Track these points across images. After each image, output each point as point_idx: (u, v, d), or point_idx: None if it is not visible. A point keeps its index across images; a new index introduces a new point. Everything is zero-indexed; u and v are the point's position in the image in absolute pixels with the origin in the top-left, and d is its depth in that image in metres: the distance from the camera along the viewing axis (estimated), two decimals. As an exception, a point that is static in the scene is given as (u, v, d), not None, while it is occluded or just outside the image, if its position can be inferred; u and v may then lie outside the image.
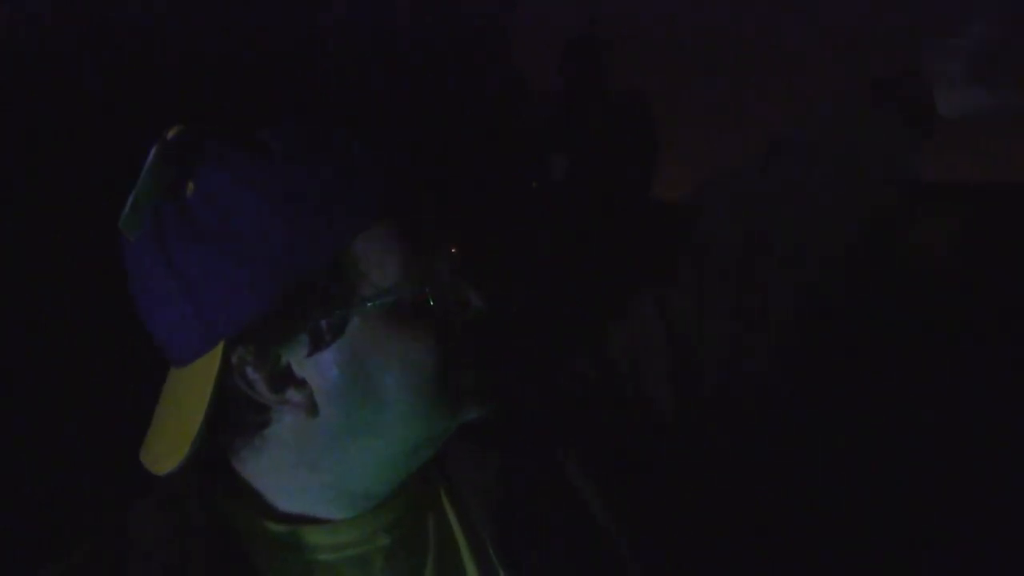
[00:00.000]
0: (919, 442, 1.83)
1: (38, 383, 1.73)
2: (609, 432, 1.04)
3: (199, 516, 0.88)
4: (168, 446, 0.84)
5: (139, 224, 0.83)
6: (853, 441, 1.73)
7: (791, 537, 1.66)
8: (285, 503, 0.90)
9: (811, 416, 1.71)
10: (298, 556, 0.89)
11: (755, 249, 1.09)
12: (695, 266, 1.11)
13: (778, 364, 1.11)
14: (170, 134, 0.83)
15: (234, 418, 0.86)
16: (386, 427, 0.85)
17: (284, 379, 0.84)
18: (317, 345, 0.82)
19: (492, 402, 0.90)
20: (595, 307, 1.16)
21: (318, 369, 0.83)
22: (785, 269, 1.09)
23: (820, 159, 1.10)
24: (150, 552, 0.86)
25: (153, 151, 0.83)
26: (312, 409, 0.84)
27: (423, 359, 0.83)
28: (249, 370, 0.83)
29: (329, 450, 0.87)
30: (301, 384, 0.84)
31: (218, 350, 0.82)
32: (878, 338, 1.77)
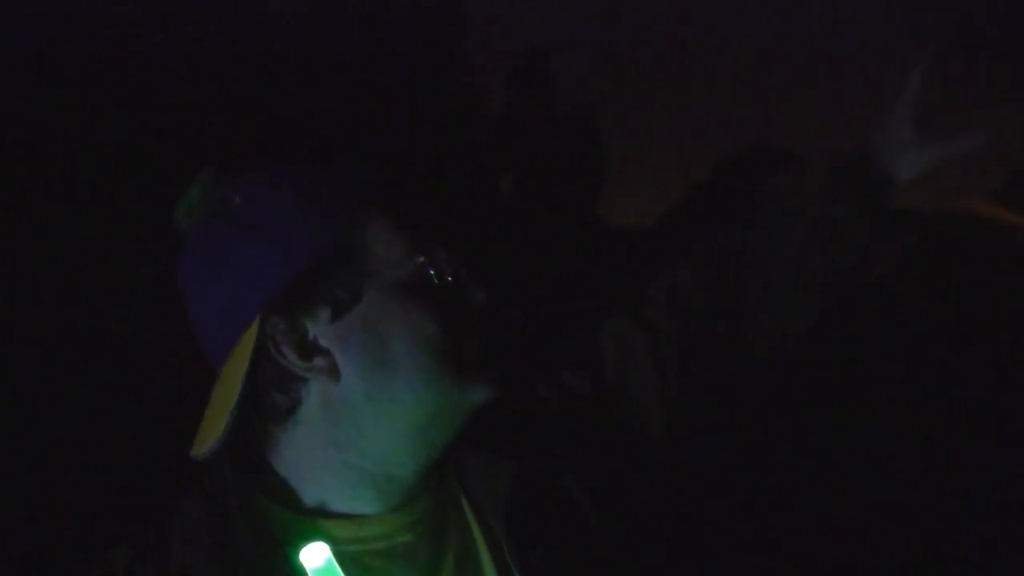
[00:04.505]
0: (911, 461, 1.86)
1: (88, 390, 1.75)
2: (601, 442, 1.15)
3: (236, 507, 0.99)
4: (208, 432, 0.97)
5: (190, 215, 1.03)
6: (844, 453, 1.79)
7: (785, 536, 1.73)
8: (316, 493, 1.00)
9: (799, 424, 1.78)
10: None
11: (725, 291, 1.22)
12: (669, 297, 1.24)
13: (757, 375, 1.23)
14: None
15: (267, 405, 0.99)
16: (400, 391, 0.97)
17: (311, 348, 0.97)
18: (336, 314, 0.96)
19: (498, 383, 1.00)
20: (579, 324, 1.26)
21: (339, 337, 0.97)
22: (755, 308, 1.22)
23: (783, 226, 1.23)
24: (191, 538, 0.98)
25: (204, 175, 1.04)
26: (335, 374, 0.97)
27: (428, 327, 0.97)
28: (280, 339, 0.96)
29: (352, 423, 0.98)
30: (325, 353, 0.97)
31: (255, 326, 0.96)
32: (857, 359, 1.82)
